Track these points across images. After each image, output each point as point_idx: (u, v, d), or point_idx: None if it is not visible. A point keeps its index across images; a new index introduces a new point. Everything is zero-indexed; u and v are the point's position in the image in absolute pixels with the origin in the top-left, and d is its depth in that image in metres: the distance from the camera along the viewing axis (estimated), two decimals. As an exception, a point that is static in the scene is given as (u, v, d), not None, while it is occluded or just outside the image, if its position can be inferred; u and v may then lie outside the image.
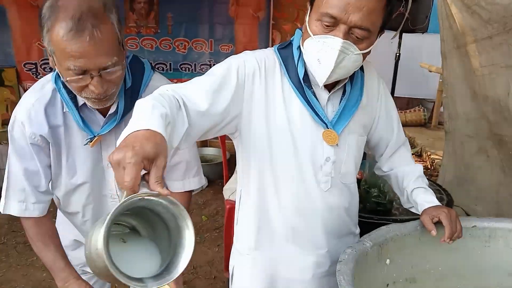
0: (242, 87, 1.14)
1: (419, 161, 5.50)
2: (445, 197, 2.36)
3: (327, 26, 1.03)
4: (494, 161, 2.59)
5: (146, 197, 0.77)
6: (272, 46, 3.88)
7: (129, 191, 0.74)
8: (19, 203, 1.30)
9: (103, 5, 1.07)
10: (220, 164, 3.79)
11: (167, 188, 0.90)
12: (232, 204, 2.71)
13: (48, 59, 1.18)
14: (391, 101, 1.38)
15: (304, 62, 1.16)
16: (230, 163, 4.42)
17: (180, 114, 0.97)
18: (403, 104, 7.18)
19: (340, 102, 1.21)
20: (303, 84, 1.16)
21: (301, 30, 1.19)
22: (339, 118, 1.20)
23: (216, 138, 3.44)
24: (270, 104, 1.17)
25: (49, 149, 1.28)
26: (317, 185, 1.24)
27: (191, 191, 1.50)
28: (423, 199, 1.33)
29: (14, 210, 1.31)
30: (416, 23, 3.94)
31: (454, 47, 2.66)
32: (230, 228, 2.75)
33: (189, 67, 4.86)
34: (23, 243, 3.21)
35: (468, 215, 2.92)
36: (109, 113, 1.25)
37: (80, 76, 1.09)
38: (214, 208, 3.85)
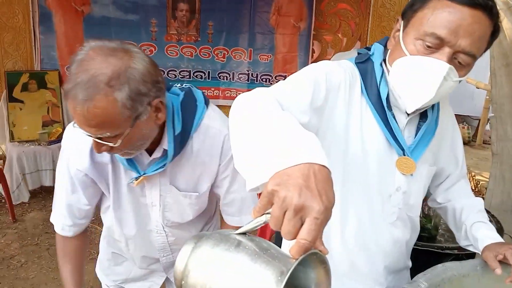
0: (327, 100, 1.01)
1: (462, 181, 5.26)
2: (494, 225, 2.19)
3: (429, 47, 0.94)
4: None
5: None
6: (312, 57, 3.85)
7: (302, 249, 0.56)
8: (58, 221, 1.35)
9: (109, 80, 0.97)
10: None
11: None
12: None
13: None
14: (458, 130, 1.28)
15: (387, 81, 1.06)
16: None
17: None
18: (447, 120, 6.92)
19: (418, 127, 1.11)
20: (384, 105, 1.06)
21: (382, 45, 1.11)
22: (417, 144, 1.10)
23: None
24: (349, 122, 1.07)
25: (96, 183, 1.28)
26: (383, 216, 1.14)
27: None
28: (484, 234, 1.19)
29: (56, 225, 1.36)
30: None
31: (503, 65, 2.51)
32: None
33: (227, 75, 4.86)
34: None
35: (516, 244, 2.73)
36: (153, 157, 1.20)
37: (82, 131, 1.05)
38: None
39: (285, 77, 5.00)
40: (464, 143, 6.62)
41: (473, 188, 4.93)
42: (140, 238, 1.39)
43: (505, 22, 2.34)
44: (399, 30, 1.03)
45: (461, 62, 0.95)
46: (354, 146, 1.08)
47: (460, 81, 0.99)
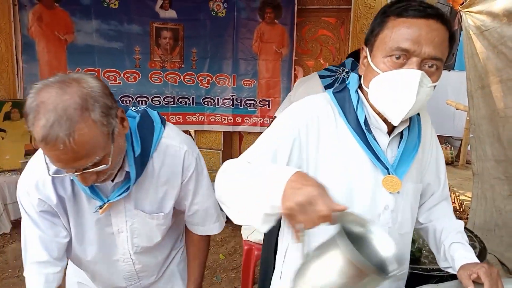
0: (299, 142, 1.11)
1: (446, 201, 5.31)
2: (478, 244, 2.22)
3: (398, 59, 1.02)
4: (528, 206, 2.45)
5: (343, 217, 0.81)
6: (294, 82, 3.90)
7: (326, 219, 0.79)
8: (39, 275, 1.23)
9: (81, 104, 0.97)
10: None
11: None
12: (251, 246, 2.63)
13: None
14: (441, 150, 1.32)
15: (363, 105, 1.13)
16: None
17: None
18: (429, 141, 7.02)
19: (399, 146, 1.16)
20: (363, 128, 1.11)
21: (356, 73, 1.17)
22: (399, 162, 1.14)
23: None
24: (322, 152, 1.12)
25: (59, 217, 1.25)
26: None
27: (209, 237, 1.51)
28: (461, 254, 1.21)
29: (34, 284, 1.24)
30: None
31: (479, 87, 2.59)
32: (248, 270, 2.67)
33: (212, 101, 4.89)
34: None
35: (502, 263, 2.76)
36: (116, 181, 1.20)
37: (64, 172, 1.05)
38: (232, 246, 3.76)
39: (269, 102, 5.05)
40: (448, 164, 6.72)
41: (458, 208, 4.97)
42: (106, 269, 1.37)
43: (478, 46, 2.43)
44: (366, 57, 1.10)
45: (430, 68, 1.02)
46: (336, 172, 1.12)
47: (434, 86, 1.05)
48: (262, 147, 1.11)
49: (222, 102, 4.89)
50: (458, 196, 5.14)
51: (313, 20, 4.79)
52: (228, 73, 4.81)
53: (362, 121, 1.11)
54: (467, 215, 3.34)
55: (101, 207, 1.21)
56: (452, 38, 1.06)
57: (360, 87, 1.16)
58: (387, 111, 1.07)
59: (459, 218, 4.27)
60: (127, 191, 1.20)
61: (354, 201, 1.13)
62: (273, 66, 4.79)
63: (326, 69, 2.57)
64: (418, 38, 0.99)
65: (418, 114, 1.20)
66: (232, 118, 4.91)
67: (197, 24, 4.62)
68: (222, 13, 4.63)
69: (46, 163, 1.07)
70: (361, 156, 1.12)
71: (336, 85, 2.43)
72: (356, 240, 0.83)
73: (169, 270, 1.53)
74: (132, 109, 1.28)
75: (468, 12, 2.52)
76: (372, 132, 1.12)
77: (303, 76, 4.85)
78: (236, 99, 4.87)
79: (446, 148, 6.81)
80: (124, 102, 4.56)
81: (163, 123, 1.29)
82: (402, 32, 1.01)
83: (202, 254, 1.52)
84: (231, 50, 4.73)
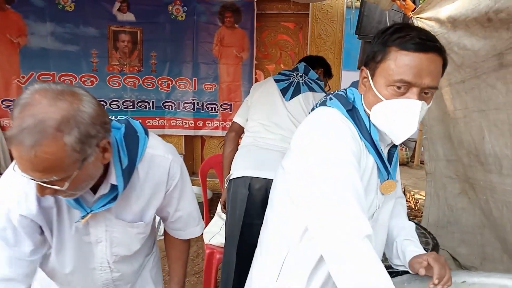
0: (357, 166, 1.14)
1: (403, 200, 5.49)
2: (431, 241, 2.32)
3: (399, 89, 1.10)
4: (475, 203, 2.58)
5: None
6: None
7: None
8: None
9: (58, 124, 0.95)
10: (201, 204, 3.70)
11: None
12: (212, 249, 2.62)
13: None
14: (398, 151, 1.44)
15: (372, 124, 1.20)
16: (212, 203, 4.33)
17: None
18: (386, 143, 7.24)
19: (390, 153, 1.28)
20: (377, 144, 1.20)
21: (356, 88, 1.24)
22: (394, 167, 1.27)
23: (197, 175, 3.36)
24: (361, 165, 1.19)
25: (40, 228, 1.20)
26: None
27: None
28: (411, 250, 1.30)
29: None
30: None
31: (432, 90, 2.70)
32: (210, 274, 2.66)
33: (172, 105, 4.85)
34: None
35: (454, 258, 2.88)
36: (101, 193, 1.17)
37: (25, 175, 1.01)
38: (195, 251, 3.73)
39: (230, 106, 5.05)
40: (403, 164, 6.95)
41: (413, 206, 5.16)
42: (83, 278, 1.34)
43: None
44: (366, 78, 1.19)
45: (427, 94, 1.12)
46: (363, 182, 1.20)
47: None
48: (349, 198, 1.05)
49: (183, 106, 4.86)
50: (413, 195, 5.33)
51: (273, 25, 4.86)
52: (189, 77, 4.79)
53: (376, 138, 1.19)
54: (422, 213, 3.48)
55: (83, 217, 1.17)
56: (445, 64, 1.15)
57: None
58: (390, 134, 1.17)
59: (414, 216, 4.45)
60: (112, 202, 1.17)
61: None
62: (234, 70, 4.81)
63: (280, 73, 2.62)
64: (420, 72, 1.07)
65: None
66: (193, 122, 4.89)
67: (156, 28, 4.58)
68: (182, 16, 4.61)
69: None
70: (373, 167, 1.21)
71: (291, 88, 2.47)
72: None
73: (142, 277, 1.51)
74: (113, 118, 1.25)
75: (419, 19, 2.64)
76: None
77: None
78: (197, 103, 4.85)
79: (402, 149, 7.04)
80: (81, 106, 4.44)
81: (147, 133, 1.27)
82: (404, 64, 1.08)
83: (184, 255, 1.54)
84: (191, 54, 4.71)
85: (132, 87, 4.68)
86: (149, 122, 4.82)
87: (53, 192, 1.04)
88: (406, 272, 1.30)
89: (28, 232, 1.17)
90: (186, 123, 4.90)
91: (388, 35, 1.13)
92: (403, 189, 5.72)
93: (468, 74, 2.14)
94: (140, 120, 1.30)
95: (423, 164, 6.72)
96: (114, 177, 1.15)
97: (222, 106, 4.87)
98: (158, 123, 4.87)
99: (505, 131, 1.92)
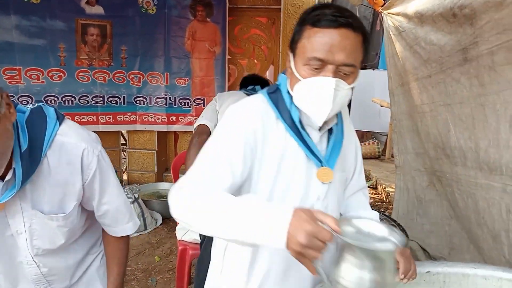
0: (249, 149, 1.15)
1: (375, 193, 5.58)
2: (401, 233, 2.37)
3: (316, 68, 1.09)
4: (443, 195, 2.64)
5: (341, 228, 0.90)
6: (229, 80, 3.90)
7: (331, 239, 0.86)
8: None
9: None
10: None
11: None
12: (185, 245, 2.61)
13: None
14: (358, 142, 1.44)
15: (295, 105, 1.19)
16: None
17: None
18: (358, 137, 7.35)
19: (328, 140, 1.25)
20: (298, 126, 1.19)
21: (285, 74, 1.23)
22: (330, 155, 1.23)
23: (170, 171, 3.33)
24: (266, 150, 1.18)
25: None
26: None
27: (127, 236, 1.47)
28: None
29: None
30: (367, 60, 4.09)
31: (399, 84, 2.75)
32: (183, 270, 2.64)
33: (144, 100, 4.78)
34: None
35: (423, 249, 2.95)
36: (6, 179, 1.13)
37: None
38: (168, 248, 3.70)
39: (203, 101, 5.01)
40: (375, 158, 7.07)
41: (384, 199, 5.26)
42: (12, 273, 1.30)
43: (397, 46, 2.58)
44: (290, 62, 1.18)
45: (346, 72, 1.10)
46: (278, 167, 1.19)
47: (352, 88, 1.15)
48: (216, 163, 1.12)
49: (155, 101, 4.79)
50: (385, 188, 5.43)
51: (245, 19, 4.84)
52: (161, 71, 4.72)
53: (297, 120, 1.19)
54: (392, 205, 3.55)
55: None
56: (366, 41, 1.14)
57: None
58: (310, 114, 1.16)
59: (385, 209, 4.53)
60: (15, 189, 1.15)
61: (290, 194, 1.20)
62: (206, 64, 4.76)
63: (248, 89, 2.63)
64: (331, 48, 1.07)
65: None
66: (166, 117, 4.82)
67: (126, 21, 4.49)
68: (152, 10, 4.53)
69: None
70: (298, 151, 1.20)
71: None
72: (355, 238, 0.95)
73: (87, 275, 1.48)
74: (29, 106, 1.23)
75: (388, 14, 2.68)
76: (305, 129, 1.21)
77: (237, 75, 4.88)
78: (170, 98, 4.79)
79: (373, 143, 7.16)
80: (49, 102, 4.31)
81: (59, 119, 1.23)
82: (316, 41, 1.08)
83: (121, 253, 1.48)
84: (162, 48, 4.64)
85: (102, 82, 4.57)
86: (120, 117, 4.74)
87: None
88: None
89: None
90: (158, 119, 4.83)
91: (305, 15, 1.13)
92: (375, 183, 5.82)
93: (435, 68, 2.18)
94: (55, 107, 1.27)
95: (394, 157, 6.86)
96: (13, 161, 1.13)
97: (195, 101, 4.83)
98: (130, 119, 4.79)
99: (469, 125, 1.97)
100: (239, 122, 1.17)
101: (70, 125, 1.26)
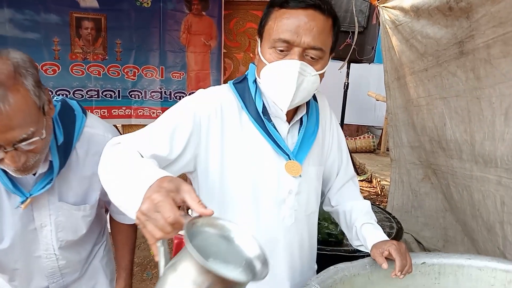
0: (199, 129, 1.11)
1: (370, 187, 5.61)
2: (395, 225, 2.39)
3: (281, 51, 1.05)
4: (438, 188, 2.66)
5: (196, 223, 0.73)
6: (225, 74, 3.94)
7: (177, 225, 0.71)
8: None
9: (13, 71, 0.97)
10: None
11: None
12: (180, 239, 2.61)
13: None
14: (341, 133, 1.40)
15: (262, 95, 1.16)
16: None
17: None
18: (353, 131, 7.38)
19: (299, 133, 1.21)
20: (262, 117, 1.14)
21: (255, 64, 1.20)
22: (299, 148, 1.19)
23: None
24: (228, 141, 1.14)
25: None
26: (281, 220, 1.21)
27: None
28: (372, 234, 1.31)
29: None
30: (363, 54, 4.10)
31: (395, 78, 2.76)
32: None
33: (139, 94, 4.75)
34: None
35: (418, 241, 2.98)
36: (39, 172, 1.14)
37: None
38: (164, 241, 3.70)
39: (198, 95, 5.01)
40: (370, 151, 7.10)
41: (379, 192, 5.29)
42: (27, 267, 1.31)
43: (394, 40, 2.58)
44: (258, 46, 1.15)
45: (313, 56, 1.06)
46: (237, 162, 1.16)
47: (322, 74, 1.11)
48: (160, 129, 1.10)
49: (150, 95, 4.76)
50: (380, 181, 5.46)
51: (241, 13, 4.81)
52: (156, 65, 4.69)
53: (260, 110, 1.15)
54: (387, 199, 3.57)
55: (22, 202, 1.15)
56: (335, 26, 1.11)
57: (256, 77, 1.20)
58: (275, 100, 1.12)
59: (380, 202, 4.58)
60: (50, 183, 1.15)
61: (260, 188, 1.18)
62: (202, 58, 4.74)
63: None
64: (297, 29, 1.03)
65: (316, 100, 1.26)
66: (161, 111, 4.79)
67: (121, 15, 4.44)
68: (148, 3, 4.49)
69: None
70: (263, 144, 1.16)
71: None
72: (219, 244, 0.77)
73: (92, 266, 1.49)
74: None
75: (384, 7, 2.68)
76: (272, 121, 1.17)
77: (232, 69, 4.87)
78: (165, 92, 4.77)
79: (369, 137, 7.19)
80: (43, 96, 4.28)
81: (84, 112, 1.26)
82: (282, 23, 1.05)
83: (131, 241, 1.52)
84: (157, 42, 4.60)
85: (97, 75, 4.54)
86: (115, 111, 4.71)
87: (25, 160, 1.02)
88: (368, 254, 1.33)
89: None
90: (154, 112, 4.81)
91: None
92: (370, 176, 5.84)
93: (431, 62, 2.19)
94: (76, 101, 1.30)
95: (389, 151, 6.90)
96: (50, 154, 1.14)
97: (190, 95, 4.81)
98: (125, 113, 4.76)
99: (465, 118, 1.99)
100: (197, 102, 1.15)
101: (94, 117, 1.29)
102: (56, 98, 1.25)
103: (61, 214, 1.25)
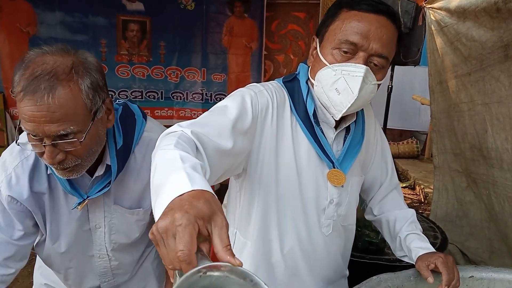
0: (255, 123, 1.05)
1: (412, 194, 5.43)
2: (439, 235, 2.29)
3: (346, 53, 1.00)
4: (479, 197, 2.54)
5: (210, 272, 0.55)
6: (265, 76, 3.91)
7: (185, 265, 0.54)
8: None
9: (70, 67, 0.96)
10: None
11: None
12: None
13: None
14: (386, 142, 1.35)
15: (313, 97, 1.11)
16: (219, 193, 4.32)
17: (200, 159, 0.81)
18: (396, 135, 7.17)
19: (344, 141, 1.16)
20: (312, 120, 1.10)
21: (306, 64, 1.15)
22: (344, 157, 1.15)
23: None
24: (280, 140, 1.10)
25: (31, 213, 1.18)
26: (320, 228, 1.18)
27: None
28: (417, 245, 1.24)
29: None
30: (408, 56, 3.96)
31: (438, 82, 2.66)
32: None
33: (181, 95, 4.84)
34: None
35: (463, 253, 2.85)
36: (96, 175, 1.15)
37: (34, 142, 0.98)
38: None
39: (238, 96, 5.06)
40: (413, 157, 6.88)
41: (423, 200, 5.11)
42: (81, 266, 1.33)
43: (438, 42, 2.49)
44: (315, 48, 1.10)
45: (376, 64, 1.02)
46: (287, 163, 1.11)
47: (379, 85, 1.05)
48: (221, 119, 0.98)
49: (191, 97, 4.85)
50: (423, 188, 5.27)
51: (283, 14, 4.80)
52: (198, 67, 4.77)
53: (311, 113, 1.10)
54: (431, 207, 3.44)
55: (79, 203, 1.16)
56: (401, 39, 1.07)
57: (308, 78, 1.15)
58: (329, 104, 1.07)
59: (423, 210, 4.42)
60: (108, 186, 1.16)
61: (301, 194, 1.14)
62: (243, 60, 4.77)
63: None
64: (367, 33, 0.99)
65: (362, 109, 1.21)
66: (202, 112, 4.83)
67: (165, 17, 4.55)
68: (191, 6, 4.58)
69: (18, 132, 1.04)
70: (309, 148, 1.12)
71: None
72: None
73: (142, 268, 1.49)
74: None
75: (430, 8, 2.58)
76: (320, 125, 1.12)
77: (272, 71, 4.87)
78: (206, 94, 4.84)
79: (412, 142, 6.97)
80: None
81: (144, 116, 1.26)
82: (352, 25, 1.00)
83: None
84: (200, 44, 4.68)
85: (141, 77, 4.68)
86: (158, 112, 4.83)
87: (62, 159, 1.01)
88: (412, 266, 1.27)
89: (18, 216, 1.16)
90: (195, 114, 4.89)
91: None
92: (413, 183, 5.66)
93: (474, 66, 2.09)
94: (137, 105, 1.29)
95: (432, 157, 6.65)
96: (109, 158, 1.14)
97: (231, 97, 4.85)
98: (167, 114, 4.87)
99: (506, 125, 1.88)
100: (256, 93, 1.07)
101: (153, 121, 1.28)
102: (118, 101, 1.25)
103: (115, 217, 1.26)
